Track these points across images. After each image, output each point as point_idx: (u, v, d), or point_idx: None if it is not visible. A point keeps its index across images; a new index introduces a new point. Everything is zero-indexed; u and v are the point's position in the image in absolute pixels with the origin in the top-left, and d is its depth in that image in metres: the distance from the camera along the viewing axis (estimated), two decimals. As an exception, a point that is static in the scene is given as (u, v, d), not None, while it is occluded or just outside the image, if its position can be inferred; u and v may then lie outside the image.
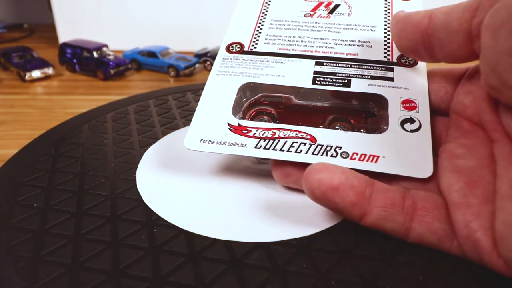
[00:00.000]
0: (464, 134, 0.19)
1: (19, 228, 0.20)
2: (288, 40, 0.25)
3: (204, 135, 0.22)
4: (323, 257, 0.18)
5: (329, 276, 0.17)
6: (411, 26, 0.20)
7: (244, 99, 0.24)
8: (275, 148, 0.21)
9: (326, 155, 0.20)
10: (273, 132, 0.21)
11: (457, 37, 0.18)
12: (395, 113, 0.21)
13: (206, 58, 0.53)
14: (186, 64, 0.50)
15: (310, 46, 0.25)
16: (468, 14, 0.17)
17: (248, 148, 0.21)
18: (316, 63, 0.24)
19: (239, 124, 0.22)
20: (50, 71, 0.48)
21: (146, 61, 0.52)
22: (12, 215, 0.20)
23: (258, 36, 0.26)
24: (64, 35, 0.62)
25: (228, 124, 0.22)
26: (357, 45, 0.25)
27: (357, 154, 0.20)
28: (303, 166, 0.19)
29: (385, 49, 0.24)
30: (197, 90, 0.38)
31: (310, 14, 0.27)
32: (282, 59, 0.24)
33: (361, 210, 0.18)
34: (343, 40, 0.25)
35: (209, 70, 0.53)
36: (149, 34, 0.62)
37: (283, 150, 0.21)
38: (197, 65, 0.52)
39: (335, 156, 0.20)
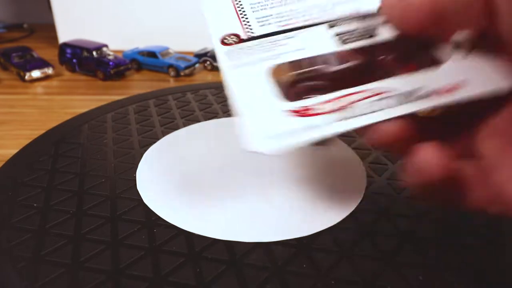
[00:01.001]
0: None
1: (19, 228, 0.20)
2: (283, 16, 0.24)
3: (268, 131, 0.19)
4: (323, 257, 0.18)
5: (329, 276, 0.17)
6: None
7: (276, 85, 0.22)
8: (356, 114, 0.18)
9: (410, 101, 0.18)
10: (342, 101, 0.19)
11: None
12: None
13: (206, 58, 0.53)
14: (186, 64, 0.50)
15: (310, 15, 0.24)
16: None
17: (327, 127, 0.18)
18: (330, 26, 0.22)
19: (301, 106, 0.19)
20: (50, 71, 0.48)
21: (146, 61, 0.52)
22: (12, 215, 0.20)
23: (248, 22, 0.24)
24: (64, 35, 0.62)
25: (288, 110, 0.19)
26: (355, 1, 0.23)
27: (438, 90, 0.19)
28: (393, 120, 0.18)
29: None
30: (197, 90, 0.38)
31: None
32: (290, 34, 0.23)
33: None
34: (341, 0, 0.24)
35: (209, 70, 0.53)
36: (149, 34, 0.62)
37: (366, 113, 0.18)
38: (197, 65, 0.52)
39: (419, 99, 0.19)
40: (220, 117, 0.32)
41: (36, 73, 0.47)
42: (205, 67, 0.54)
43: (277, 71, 0.21)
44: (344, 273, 0.17)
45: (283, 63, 0.21)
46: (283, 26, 0.23)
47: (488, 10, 0.16)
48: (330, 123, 0.18)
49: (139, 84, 0.48)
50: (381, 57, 0.21)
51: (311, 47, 0.22)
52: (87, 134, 0.29)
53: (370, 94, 0.19)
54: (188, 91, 0.38)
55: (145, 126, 0.31)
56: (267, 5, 0.25)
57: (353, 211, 0.21)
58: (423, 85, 0.19)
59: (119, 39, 0.62)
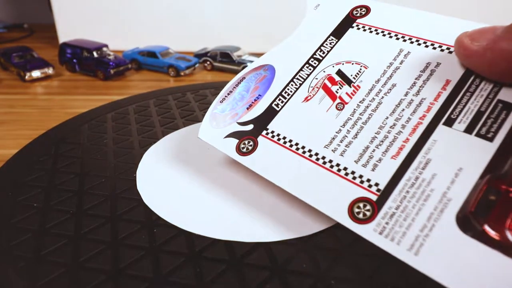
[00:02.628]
0: None
1: (19, 228, 0.20)
2: (383, 145, 0.19)
3: None
4: (323, 256, 0.18)
5: (329, 275, 0.17)
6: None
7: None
8: None
9: None
10: None
11: None
12: None
13: (206, 58, 0.53)
14: (186, 64, 0.50)
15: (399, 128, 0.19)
16: None
17: None
18: (447, 125, 0.18)
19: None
20: (50, 71, 0.48)
21: (146, 61, 0.52)
22: (12, 215, 0.20)
23: (380, 186, 0.18)
24: (64, 35, 0.62)
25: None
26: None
27: None
28: None
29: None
30: (197, 90, 0.38)
31: (340, 107, 0.21)
32: (421, 163, 0.18)
33: None
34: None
35: (209, 70, 0.53)
36: (149, 34, 0.62)
37: None
38: (197, 65, 0.52)
39: None
40: (220, 117, 0.32)
41: (36, 73, 0.47)
42: (205, 67, 0.54)
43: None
44: (344, 272, 0.17)
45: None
46: (395, 157, 0.18)
47: None
48: None
49: (139, 84, 0.48)
50: None
51: (468, 164, 0.17)
52: (87, 134, 0.29)
53: None
54: (188, 91, 0.38)
55: (145, 126, 0.31)
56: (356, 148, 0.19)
57: (353, 211, 0.21)
58: None
59: (119, 39, 0.62)
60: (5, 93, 0.44)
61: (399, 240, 0.16)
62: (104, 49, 0.50)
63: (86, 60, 0.49)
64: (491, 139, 0.17)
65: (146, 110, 0.34)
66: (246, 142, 0.22)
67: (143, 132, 0.30)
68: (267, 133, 0.22)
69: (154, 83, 0.48)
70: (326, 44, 0.24)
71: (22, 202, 0.22)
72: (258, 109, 0.23)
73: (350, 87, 0.21)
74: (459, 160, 0.17)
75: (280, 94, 0.23)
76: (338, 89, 0.22)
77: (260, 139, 0.22)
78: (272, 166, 0.21)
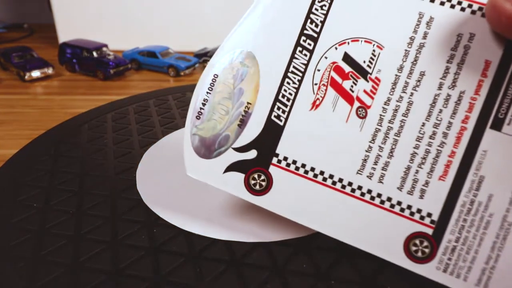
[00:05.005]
0: None
1: (19, 228, 0.20)
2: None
3: None
4: (323, 256, 0.18)
5: (329, 275, 0.17)
6: None
7: None
8: None
9: None
10: None
11: None
12: None
13: (206, 58, 0.53)
14: (186, 64, 0.50)
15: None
16: None
17: None
18: (494, 127, 0.16)
19: None
20: (50, 71, 0.48)
21: (146, 61, 0.52)
22: (12, 215, 0.20)
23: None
24: (64, 35, 0.62)
25: None
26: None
27: None
28: None
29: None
30: (197, 90, 0.38)
31: (361, 115, 0.17)
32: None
33: None
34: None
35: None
36: (149, 34, 0.62)
37: None
38: (197, 65, 0.52)
39: None
40: (220, 117, 0.32)
41: (36, 73, 0.47)
42: (205, 67, 0.54)
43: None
44: (344, 272, 0.17)
45: None
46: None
47: None
48: None
49: (139, 84, 0.48)
50: None
51: None
52: (87, 134, 0.29)
53: None
54: (188, 91, 0.38)
55: (145, 126, 0.31)
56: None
57: (353, 211, 0.21)
58: None
59: (119, 39, 0.61)
60: (5, 93, 0.44)
61: (465, 276, 0.15)
62: (104, 49, 0.50)
63: (86, 60, 0.49)
64: None
65: (146, 110, 0.34)
66: (256, 176, 0.18)
67: (143, 132, 0.30)
68: (279, 161, 0.17)
69: (154, 83, 0.48)
70: (316, 10, 0.17)
71: (22, 202, 0.22)
72: (255, 126, 0.18)
73: (367, 81, 0.16)
74: None
75: (277, 99, 0.17)
76: (352, 86, 0.17)
77: (272, 170, 0.17)
78: (298, 206, 0.17)
